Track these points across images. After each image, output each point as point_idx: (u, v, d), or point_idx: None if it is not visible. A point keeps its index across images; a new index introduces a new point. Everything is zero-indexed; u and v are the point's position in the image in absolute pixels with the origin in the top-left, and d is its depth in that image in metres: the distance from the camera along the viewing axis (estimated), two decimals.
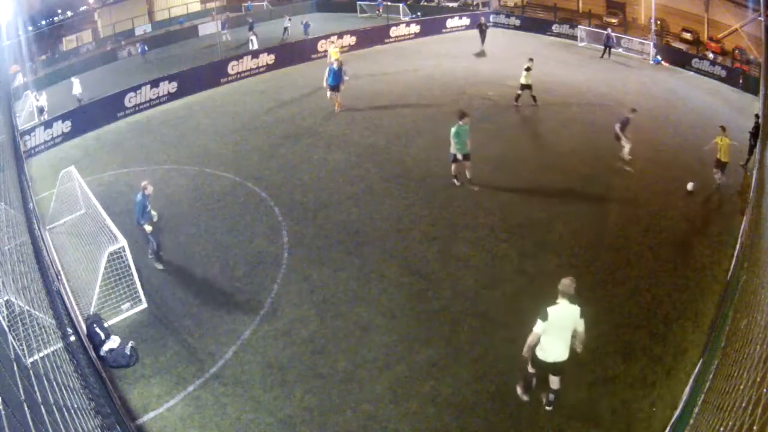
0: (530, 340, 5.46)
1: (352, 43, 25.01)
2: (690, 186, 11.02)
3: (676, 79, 20.70)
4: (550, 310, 5.33)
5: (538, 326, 5.36)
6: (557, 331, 5.40)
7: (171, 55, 27.17)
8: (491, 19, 30.34)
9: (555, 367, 5.64)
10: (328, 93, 16.01)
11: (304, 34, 28.53)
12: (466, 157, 10.86)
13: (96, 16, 37.47)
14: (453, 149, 10.72)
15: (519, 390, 6.21)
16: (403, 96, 17.35)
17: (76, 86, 20.18)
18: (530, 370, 5.86)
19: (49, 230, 10.26)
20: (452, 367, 6.67)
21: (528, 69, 15.69)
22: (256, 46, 25.43)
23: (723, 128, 11.13)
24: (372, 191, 11.29)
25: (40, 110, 18.41)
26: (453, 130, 10.48)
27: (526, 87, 15.88)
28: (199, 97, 18.65)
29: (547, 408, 6.01)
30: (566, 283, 5.36)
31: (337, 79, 15.58)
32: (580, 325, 5.44)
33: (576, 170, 12.00)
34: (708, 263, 8.64)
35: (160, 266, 8.97)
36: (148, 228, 8.50)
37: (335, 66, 15.41)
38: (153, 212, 8.68)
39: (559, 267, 8.55)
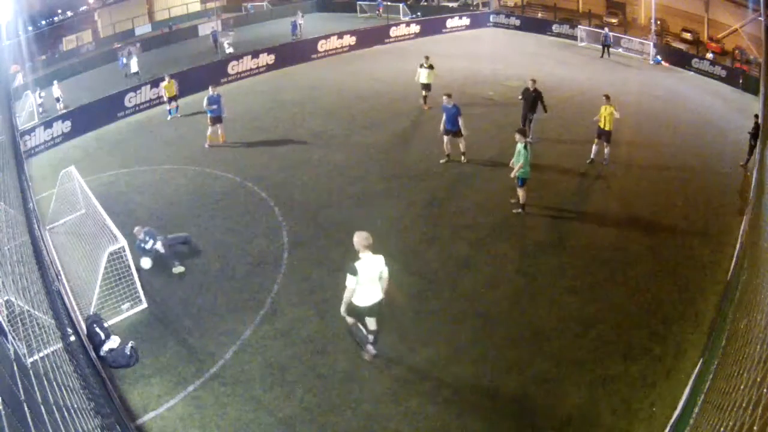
0: (347, 296, 5.93)
1: (352, 43, 25.01)
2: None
3: (676, 79, 20.70)
4: (358, 265, 5.78)
5: (351, 281, 5.78)
6: (368, 280, 5.90)
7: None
8: (491, 19, 30.36)
9: (372, 310, 6.17)
10: (213, 128, 13.78)
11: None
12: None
13: (96, 16, 37.48)
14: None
15: (364, 353, 6.72)
16: (403, 96, 17.34)
17: (56, 90, 20.15)
18: (349, 321, 6.45)
19: (49, 230, 10.26)
20: (452, 367, 6.66)
21: (424, 66, 15.42)
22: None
23: (607, 97, 11.68)
24: (372, 191, 11.28)
25: (56, 99, 19.65)
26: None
27: (425, 87, 15.78)
28: (198, 97, 18.57)
29: (371, 351, 6.64)
30: (363, 236, 5.82)
31: (219, 108, 13.56)
32: (385, 271, 6.01)
33: (575, 170, 12.00)
34: (708, 263, 8.63)
35: (181, 268, 8.85)
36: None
37: (213, 92, 13.40)
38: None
39: (559, 267, 8.55)
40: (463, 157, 12.38)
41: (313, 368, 6.74)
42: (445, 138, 12.17)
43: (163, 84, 16.63)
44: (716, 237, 9.37)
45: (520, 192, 9.92)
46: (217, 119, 13.71)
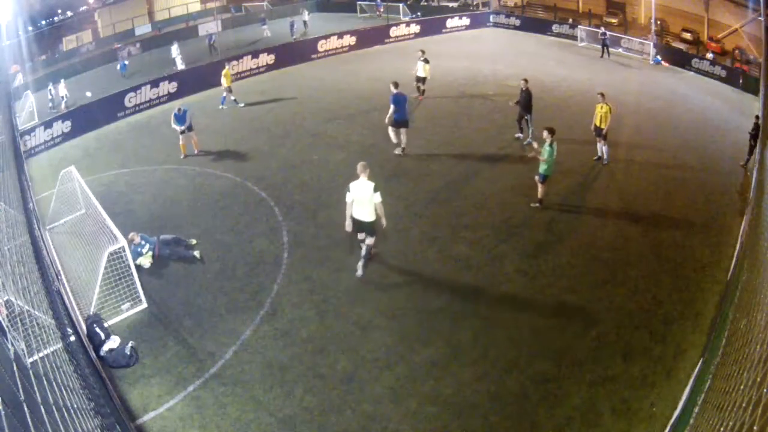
0: (347, 210, 7.79)
1: (352, 43, 25.01)
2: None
3: (676, 79, 20.69)
4: (351, 184, 7.71)
5: (348, 197, 7.73)
6: (359, 199, 7.71)
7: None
8: (491, 19, 30.36)
9: (362, 225, 7.95)
10: (184, 137, 13.33)
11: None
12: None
13: (96, 16, 37.46)
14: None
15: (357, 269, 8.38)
16: None
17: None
18: (360, 237, 8.21)
19: (49, 230, 10.26)
20: (452, 367, 6.67)
21: (424, 60, 16.35)
22: None
23: (602, 95, 12.03)
24: None
25: (62, 98, 19.93)
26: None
27: (421, 80, 16.64)
28: (198, 97, 18.63)
29: (362, 258, 8.37)
30: (361, 164, 7.74)
31: (182, 121, 13.09)
32: (376, 198, 7.66)
33: (575, 170, 12.01)
34: (708, 263, 8.63)
35: (197, 253, 9.21)
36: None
37: (178, 110, 13.14)
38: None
39: (559, 267, 8.55)
40: (397, 149, 12.90)
41: (313, 368, 6.74)
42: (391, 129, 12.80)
43: (224, 72, 17.30)
44: (716, 237, 9.37)
45: (540, 187, 10.27)
46: (187, 129, 13.35)
